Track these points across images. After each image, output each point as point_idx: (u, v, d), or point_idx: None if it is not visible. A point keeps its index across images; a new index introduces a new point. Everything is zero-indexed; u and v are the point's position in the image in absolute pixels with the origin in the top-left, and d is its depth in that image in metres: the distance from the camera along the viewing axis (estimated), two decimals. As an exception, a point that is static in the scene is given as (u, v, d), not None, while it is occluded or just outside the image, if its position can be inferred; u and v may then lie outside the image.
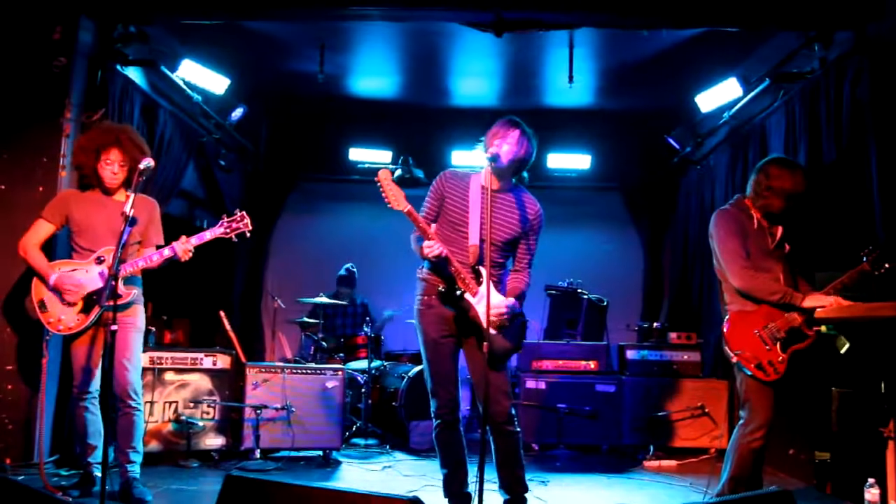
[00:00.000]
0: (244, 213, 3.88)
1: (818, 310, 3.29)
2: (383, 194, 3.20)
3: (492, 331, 3.24)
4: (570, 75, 5.82)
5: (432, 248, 3.23)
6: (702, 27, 4.99)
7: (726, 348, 3.44)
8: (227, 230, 3.84)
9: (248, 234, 3.89)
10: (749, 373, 3.37)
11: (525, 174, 3.51)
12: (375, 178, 3.22)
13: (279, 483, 2.31)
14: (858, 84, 4.10)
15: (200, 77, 5.65)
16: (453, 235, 3.41)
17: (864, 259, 3.34)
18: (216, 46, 5.75)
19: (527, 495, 3.48)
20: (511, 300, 3.38)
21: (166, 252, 3.77)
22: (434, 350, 3.42)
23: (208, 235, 3.83)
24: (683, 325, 6.27)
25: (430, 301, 3.41)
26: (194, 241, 3.80)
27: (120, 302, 3.52)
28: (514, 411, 3.45)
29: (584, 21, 4.94)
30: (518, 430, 3.46)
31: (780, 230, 3.56)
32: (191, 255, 3.80)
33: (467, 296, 3.31)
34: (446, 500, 3.51)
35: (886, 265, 3.29)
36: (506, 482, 3.45)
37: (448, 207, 3.44)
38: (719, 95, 5.70)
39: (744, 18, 4.72)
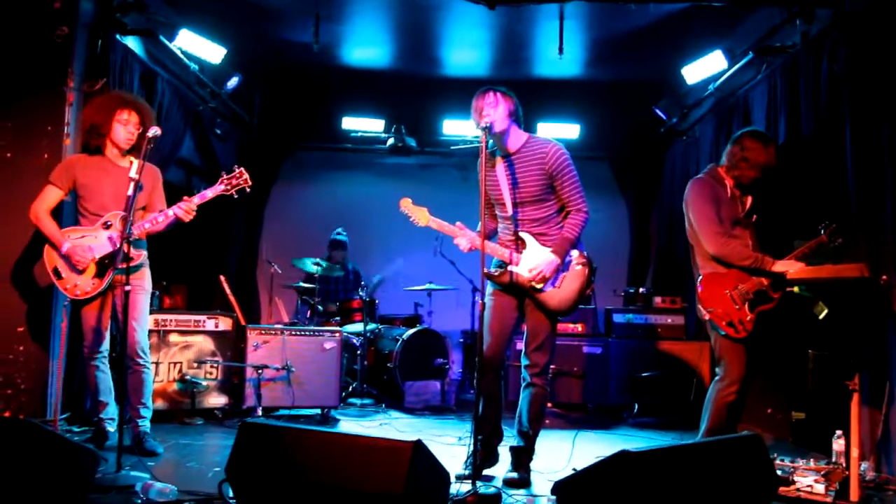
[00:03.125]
0: (242, 169, 3.95)
1: (790, 272, 3.51)
2: (410, 219, 3.63)
3: (541, 286, 3.54)
4: (561, 47, 5.92)
5: (461, 245, 3.58)
6: (689, 1, 5.12)
7: (699, 307, 3.66)
8: (228, 187, 3.93)
9: (249, 189, 3.96)
10: (722, 331, 3.59)
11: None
12: (400, 209, 3.65)
13: (292, 428, 2.51)
14: (836, 60, 4.26)
15: (197, 46, 5.71)
16: (500, 213, 3.70)
17: (822, 231, 3.69)
18: (213, 16, 5.82)
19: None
20: (548, 255, 3.53)
21: (171, 212, 3.90)
22: (488, 306, 3.68)
23: (210, 194, 3.94)
24: (668, 290, 6.49)
25: (487, 276, 3.68)
26: (196, 200, 3.93)
27: (131, 264, 3.67)
28: (547, 367, 3.68)
29: (576, -7, 5.07)
30: (545, 386, 3.68)
31: (749, 200, 3.77)
32: (194, 214, 3.94)
33: (510, 267, 3.60)
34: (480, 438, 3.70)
35: (840, 239, 3.64)
36: (517, 429, 3.73)
37: (489, 191, 3.66)
38: (705, 68, 5.82)
39: (729, -8, 4.87)
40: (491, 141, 3.59)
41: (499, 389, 3.73)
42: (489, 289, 3.73)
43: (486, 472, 3.73)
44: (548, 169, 3.53)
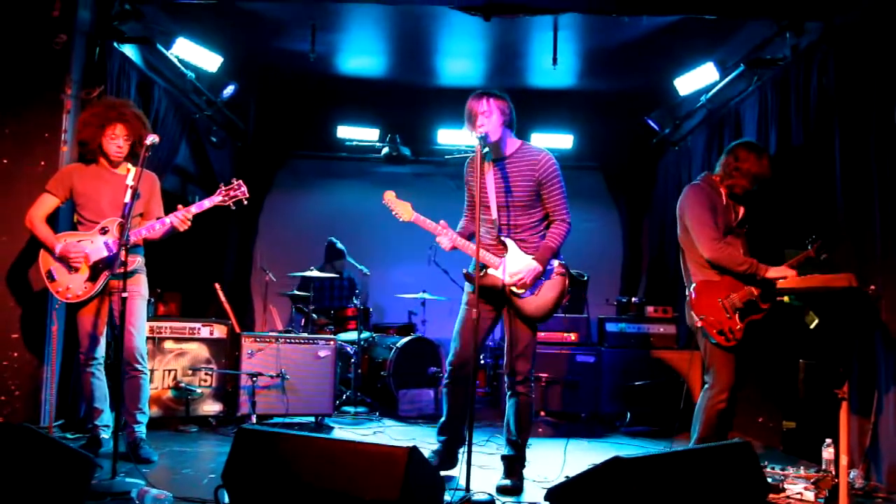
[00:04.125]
0: (241, 181, 4.00)
1: (780, 281, 3.56)
2: (393, 213, 3.69)
3: (519, 292, 3.60)
4: (555, 57, 5.99)
5: (442, 243, 3.63)
6: (680, 14, 5.19)
7: (692, 313, 3.71)
8: (225, 198, 3.97)
9: (246, 202, 4.01)
10: (713, 339, 3.64)
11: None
12: (382, 201, 3.72)
13: (289, 434, 2.53)
14: (825, 72, 4.33)
15: (194, 55, 5.74)
16: (484, 215, 3.72)
17: (809, 246, 3.72)
18: (210, 25, 5.86)
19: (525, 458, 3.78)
20: (530, 262, 3.60)
21: (167, 221, 3.93)
22: (461, 313, 3.78)
23: (207, 204, 3.98)
24: (660, 300, 6.53)
25: (467, 277, 3.73)
26: (194, 209, 3.96)
27: (126, 269, 3.68)
28: (530, 375, 3.71)
29: (569, 6, 5.13)
30: (530, 394, 3.72)
31: (742, 210, 3.83)
32: (189, 224, 3.97)
33: (490, 270, 3.64)
34: (438, 442, 3.83)
35: (826, 254, 3.67)
36: (506, 438, 3.77)
37: (473, 192, 3.72)
38: (697, 79, 5.90)
39: (720, 6, 4.93)
40: (485, 148, 3.65)
41: (466, 397, 3.73)
42: (465, 296, 3.77)
43: (481, 481, 3.74)
44: (537, 176, 3.61)
